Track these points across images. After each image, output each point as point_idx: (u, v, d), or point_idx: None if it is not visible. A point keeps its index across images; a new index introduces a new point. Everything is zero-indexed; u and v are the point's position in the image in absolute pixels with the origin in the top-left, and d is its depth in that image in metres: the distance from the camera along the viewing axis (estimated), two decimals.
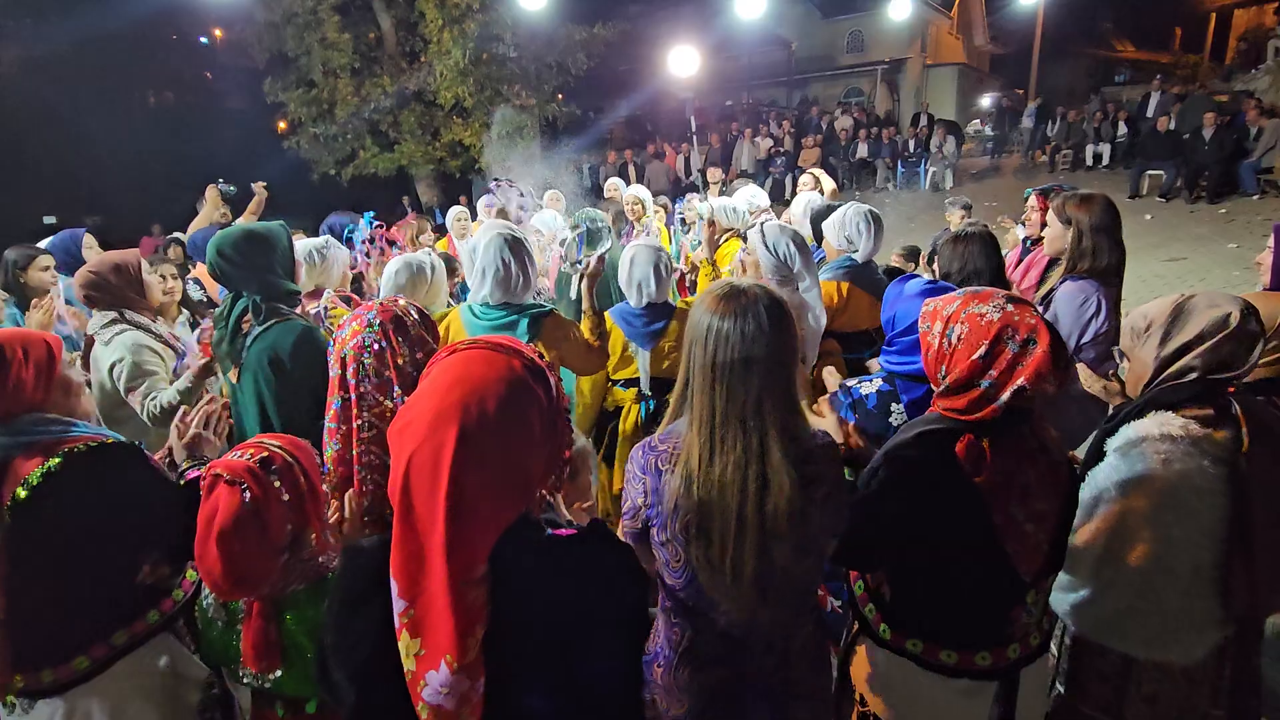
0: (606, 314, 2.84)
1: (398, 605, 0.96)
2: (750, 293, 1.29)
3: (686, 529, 1.29)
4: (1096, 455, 1.71)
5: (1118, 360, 1.86)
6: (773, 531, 1.27)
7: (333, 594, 1.10)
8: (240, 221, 4.75)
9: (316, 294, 3.06)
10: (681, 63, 11.52)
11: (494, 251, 2.37)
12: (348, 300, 3.00)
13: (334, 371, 1.61)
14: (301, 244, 3.12)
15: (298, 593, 1.49)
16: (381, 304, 1.67)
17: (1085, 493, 1.65)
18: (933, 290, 1.91)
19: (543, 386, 1.05)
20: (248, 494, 1.36)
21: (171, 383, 2.54)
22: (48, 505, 1.42)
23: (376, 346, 1.60)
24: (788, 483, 1.26)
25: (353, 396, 1.62)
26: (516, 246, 2.39)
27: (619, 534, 1.42)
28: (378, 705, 1.02)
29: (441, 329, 2.50)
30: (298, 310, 2.39)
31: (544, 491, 1.13)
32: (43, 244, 3.92)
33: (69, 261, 3.60)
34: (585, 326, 2.69)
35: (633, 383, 2.86)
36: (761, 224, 2.88)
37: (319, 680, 1.09)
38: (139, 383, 2.48)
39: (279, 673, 1.47)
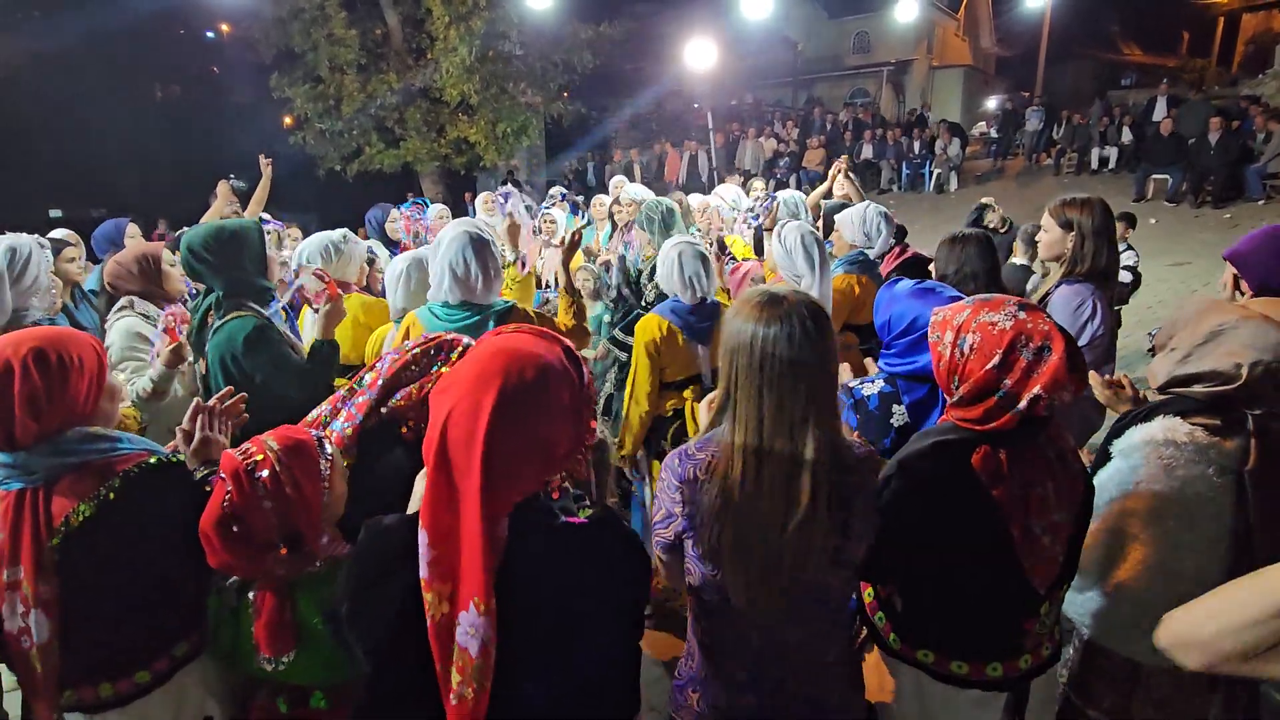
0: (656, 313, 2.77)
1: (427, 556, 0.99)
2: (790, 299, 1.28)
3: (723, 542, 1.26)
4: (1102, 457, 1.71)
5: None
6: (816, 546, 1.25)
7: (351, 567, 1.10)
8: (251, 207, 4.79)
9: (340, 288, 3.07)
10: (698, 57, 11.51)
11: (457, 249, 2.29)
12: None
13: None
14: (319, 238, 3.14)
15: (311, 574, 1.49)
16: (451, 339, 1.74)
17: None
18: (922, 291, 1.91)
19: (576, 372, 1.11)
20: (228, 501, 1.37)
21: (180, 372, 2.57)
22: (104, 531, 1.40)
23: (420, 365, 1.68)
24: (835, 496, 1.24)
25: (362, 386, 1.68)
26: (480, 245, 2.31)
27: (652, 544, 1.40)
28: (393, 682, 1.04)
29: (400, 333, 2.43)
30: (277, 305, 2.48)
31: (561, 476, 1.15)
32: (56, 233, 3.96)
33: (111, 250, 3.72)
34: (562, 306, 2.62)
35: (689, 381, 2.82)
36: (783, 222, 2.94)
37: (339, 643, 1.10)
38: (123, 368, 2.55)
39: (292, 655, 1.46)
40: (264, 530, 1.41)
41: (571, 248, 2.66)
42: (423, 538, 1.00)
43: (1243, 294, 2.24)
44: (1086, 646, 1.73)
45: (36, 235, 2.91)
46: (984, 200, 5.61)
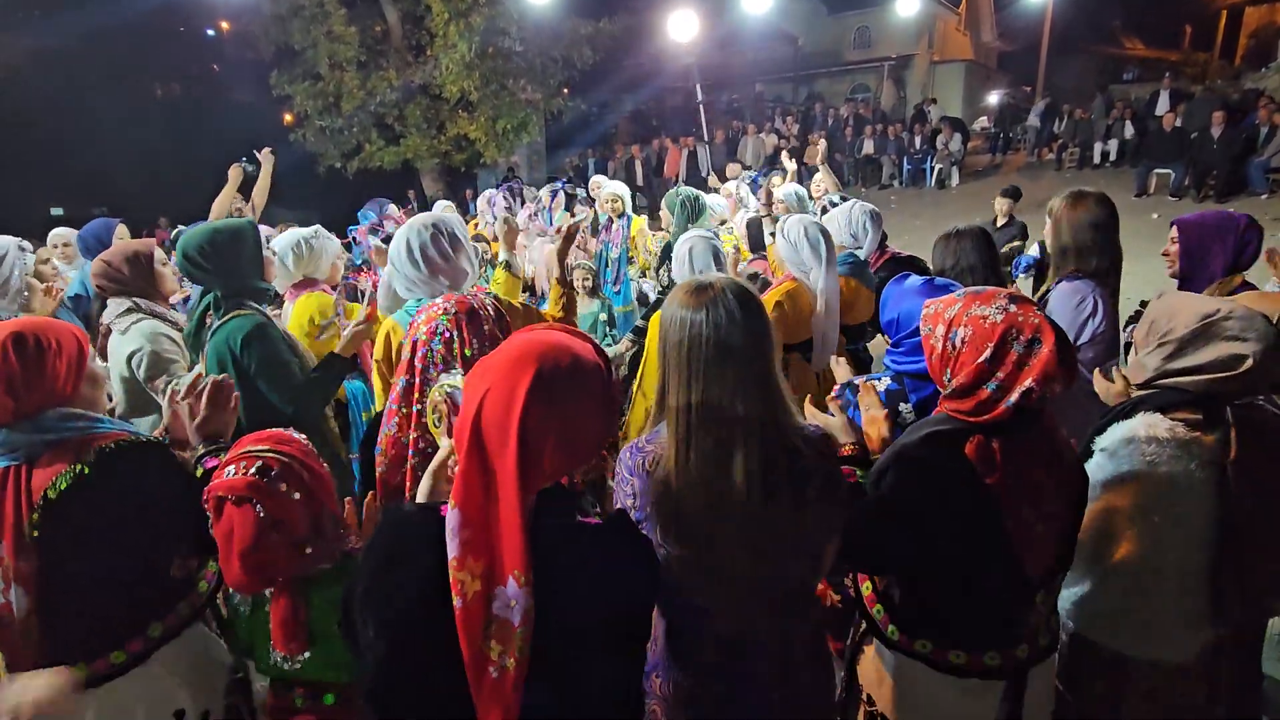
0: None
1: (460, 535, 1.00)
2: (717, 284, 1.29)
3: (668, 532, 1.26)
4: (1084, 453, 1.71)
5: (1123, 347, 1.86)
6: (758, 532, 1.24)
7: (370, 549, 1.11)
8: (254, 198, 4.76)
9: (306, 284, 3.07)
10: (681, 28, 11.45)
11: (415, 243, 2.18)
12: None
13: (405, 354, 1.67)
14: (290, 234, 3.13)
15: (324, 572, 1.50)
16: (461, 296, 1.72)
17: None
18: (932, 287, 1.91)
19: (606, 367, 1.13)
20: (260, 509, 1.38)
21: (191, 369, 2.53)
22: (80, 505, 1.42)
23: (447, 335, 1.66)
24: (780, 477, 1.24)
25: (417, 380, 1.66)
26: (438, 237, 2.19)
27: None
28: (411, 657, 1.04)
29: (380, 340, 2.35)
30: (272, 304, 2.45)
31: (580, 473, 1.16)
32: (56, 232, 3.94)
33: (99, 249, 3.63)
34: (552, 297, 2.58)
35: None
36: (783, 217, 2.94)
37: (344, 635, 1.11)
38: (158, 371, 2.47)
39: (307, 654, 1.49)
40: (300, 524, 1.44)
41: (568, 239, 2.64)
42: (454, 518, 1.01)
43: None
44: (1073, 639, 1.75)
45: (19, 239, 2.88)
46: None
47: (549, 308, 2.58)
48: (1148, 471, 1.56)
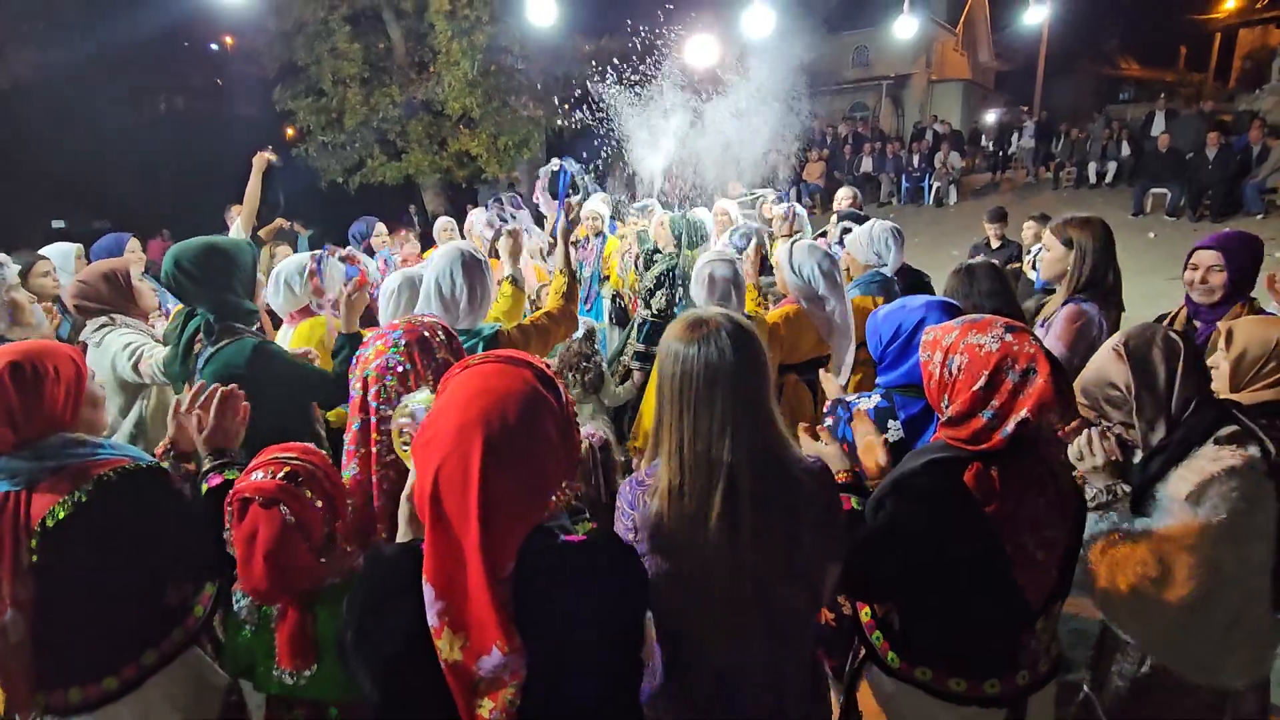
0: None
1: (437, 605, 0.98)
2: (712, 320, 1.29)
3: (663, 564, 1.27)
4: (1142, 500, 1.64)
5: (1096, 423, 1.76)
6: (751, 563, 1.24)
7: (354, 595, 1.10)
8: (244, 215, 4.65)
9: (307, 311, 3.05)
10: (699, 54, 11.53)
11: (445, 266, 2.22)
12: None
13: (354, 393, 1.60)
14: (298, 258, 3.09)
15: (333, 586, 1.49)
16: (408, 323, 1.65)
17: (1149, 543, 1.58)
18: (900, 304, 1.95)
19: (554, 394, 1.09)
20: (287, 512, 1.40)
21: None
22: (77, 534, 1.42)
23: (400, 369, 1.58)
24: (770, 505, 1.24)
25: (372, 419, 1.59)
26: (471, 265, 2.23)
27: None
28: (405, 703, 1.03)
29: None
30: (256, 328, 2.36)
31: (557, 496, 1.15)
32: (49, 248, 3.91)
33: None
34: (554, 286, 2.55)
35: None
36: (791, 244, 2.92)
37: (347, 673, 1.10)
38: (139, 354, 2.49)
39: (312, 669, 1.47)
40: (319, 534, 1.45)
41: (572, 224, 2.58)
42: (429, 592, 0.99)
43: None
44: (1156, 671, 1.72)
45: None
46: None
47: (550, 299, 2.53)
48: (1244, 506, 1.51)
